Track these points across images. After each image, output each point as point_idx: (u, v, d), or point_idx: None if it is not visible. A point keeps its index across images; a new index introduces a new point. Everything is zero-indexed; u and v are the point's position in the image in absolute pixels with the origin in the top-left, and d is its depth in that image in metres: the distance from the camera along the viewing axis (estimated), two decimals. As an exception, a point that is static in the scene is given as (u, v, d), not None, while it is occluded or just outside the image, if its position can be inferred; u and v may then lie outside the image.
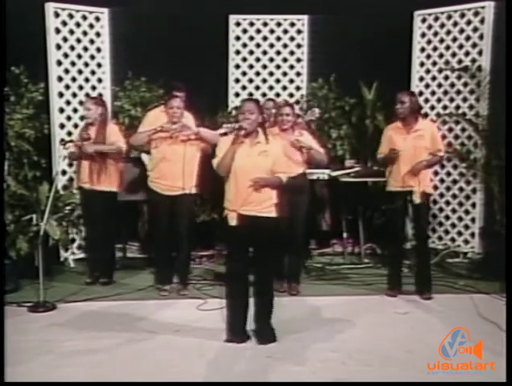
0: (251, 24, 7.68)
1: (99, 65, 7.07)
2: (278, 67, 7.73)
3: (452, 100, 7.27)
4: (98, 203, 6.08)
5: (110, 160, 6.07)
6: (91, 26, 6.99)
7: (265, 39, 7.70)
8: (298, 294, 5.86)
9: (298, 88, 7.75)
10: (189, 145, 5.75)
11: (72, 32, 6.89)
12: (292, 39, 7.68)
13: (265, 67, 7.74)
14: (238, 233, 4.54)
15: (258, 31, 7.69)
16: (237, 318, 4.68)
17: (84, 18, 6.96)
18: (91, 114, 6.07)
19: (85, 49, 6.98)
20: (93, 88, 7.05)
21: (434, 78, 7.36)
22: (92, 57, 7.02)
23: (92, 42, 7.00)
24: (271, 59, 7.73)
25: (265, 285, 4.71)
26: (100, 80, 7.10)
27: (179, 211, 5.80)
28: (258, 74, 7.74)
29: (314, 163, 5.95)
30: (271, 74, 7.74)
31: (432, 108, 7.39)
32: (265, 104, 6.42)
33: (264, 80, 7.75)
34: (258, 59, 7.73)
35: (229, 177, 4.55)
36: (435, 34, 7.29)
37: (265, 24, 7.69)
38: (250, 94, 7.69)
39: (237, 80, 7.73)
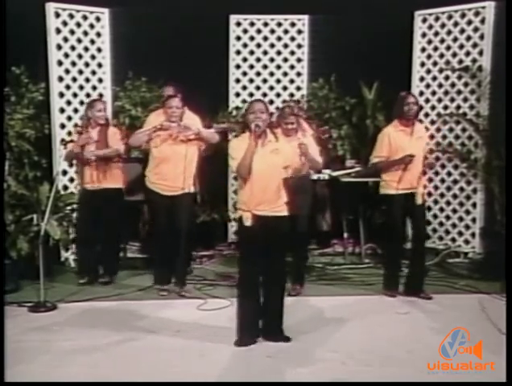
0: (252, 24, 7.67)
1: (100, 65, 7.07)
2: (278, 67, 7.72)
3: (452, 100, 7.27)
4: (106, 200, 6.10)
5: (111, 161, 6.13)
6: (91, 26, 6.99)
7: (265, 38, 7.69)
8: (299, 295, 5.84)
9: (298, 88, 7.75)
10: (190, 145, 5.75)
11: (72, 32, 6.89)
12: (293, 39, 7.67)
13: (265, 67, 7.73)
14: (253, 233, 4.56)
15: (259, 31, 7.69)
16: (250, 319, 4.68)
17: (85, 18, 6.96)
18: (103, 115, 6.14)
19: (86, 49, 6.98)
20: (94, 88, 7.05)
21: (434, 78, 7.36)
22: (93, 57, 7.02)
23: (92, 42, 7.00)
24: (272, 59, 7.72)
25: (279, 283, 4.72)
26: (100, 80, 7.10)
27: (179, 211, 5.79)
28: (258, 74, 7.74)
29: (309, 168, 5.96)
30: (272, 74, 7.73)
31: (433, 108, 7.39)
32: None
33: (264, 80, 7.75)
34: (258, 59, 7.72)
35: (243, 179, 4.57)
36: (436, 34, 7.28)
37: (265, 24, 7.68)
38: (251, 94, 7.69)
39: (238, 80, 7.73)
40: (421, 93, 7.33)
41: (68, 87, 6.92)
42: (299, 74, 7.74)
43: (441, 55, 7.29)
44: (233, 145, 4.73)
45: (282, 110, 5.86)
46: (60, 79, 6.86)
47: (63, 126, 6.90)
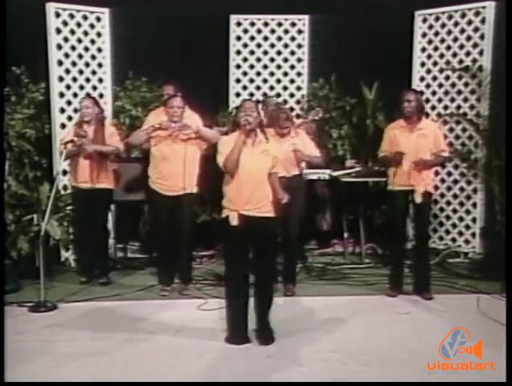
0: (252, 24, 7.68)
1: (100, 65, 7.07)
2: (278, 67, 7.74)
3: (452, 100, 7.27)
4: (98, 200, 6.11)
5: (108, 160, 6.13)
6: (92, 26, 6.99)
7: (266, 38, 7.70)
8: (293, 295, 5.82)
9: (299, 88, 7.76)
10: (190, 144, 5.73)
11: (72, 32, 6.89)
12: (293, 38, 7.68)
13: (265, 67, 7.74)
14: (239, 233, 4.56)
15: (259, 31, 7.69)
16: (238, 319, 4.68)
17: (85, 18, 6.96)
18: (89, 113, 6.10)
19: (86, 49, 6.98)
20: (94, 88, 7.05)
21: (435, 78, 7.36)
22: (93, 57, 7.02)
23: (93, 42, 7.00)
24: (272, 59, 7.73)
25: (266, 285, 4.73)
26: (101, 80, 7.10)
27: (181, 211, 5.79)
28: (258, 74, 7.75)
29: (311, 166, 5.98)
30: (272, 74, 7.75)
31: (433, 108, 7.38)
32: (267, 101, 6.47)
33: (265, 80, 7.76)
34: (258, 59, 7.73)
35: (231, 177, 4.57)
36: (436, 34, 7.29)
37: (266, 24, 7.69)
38: (251, 94, 7.70)
39: (238, 80, 7.73)
40: (421, 93, 7.30)
41: (68, 87, 6.92)
42: (299, 74, 7.75)
43: (441, 55, 7.29)
44: (223, 140, 4.75)
45: (277, 115, 5.82)
46: (61, 79, 6.86)
47: (63, 126, 6.89)
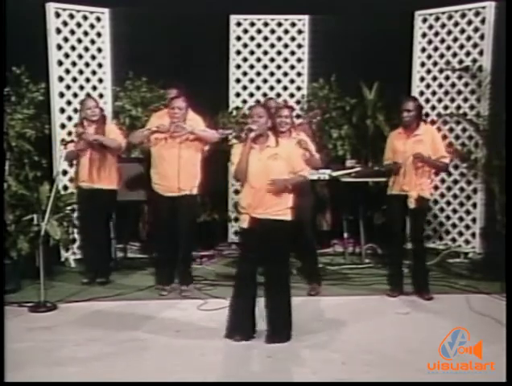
0: (252, 24, 7.68)
1: (100, 65, 7.07)
2: (278, 67, 7.73)
3: (452, 100, 7.28)
4: (98, 201, 6.11)
5: (109, 157, 6.11)
6: (92, 26, 7.00)
7: (265, 39, 7.69)
8: (317, 295, 5.84)
9: (299, 88, 7.75)
10: (185, 145, 5.72)
11: (72, 32, 6.90)
12: (293, 39, 7.67)
13: (265, 67, 7.74)
14: (250, 235, 4.61)
15: (259, 31, 7.69)
16: (240, 316, 4.70)
17: (85, 18, 6.97)
18: (97, 113, 6.13)
19: (86, 49, 6.98)
20: (94, 88, 7.06)
21: (435, 78, 7.37)
22: (93, 57, 7.03)
23: (92, 42, 7.01)
24: (272, 59, 7.72)
25: (279, 286, 4.70)
26: (101, 80, 7.10)
27: (179, 213, 5.78)
28: (258, 74, 7.74)
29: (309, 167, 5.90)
30: (272, 74, 7.74)
31: (433, 108, 7.39)
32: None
33: (265, 80, 7.75)
34: (258, 59, 7.73)
35: (242, 184, 4.61)
36: (436, 34, 7.29)
37: (265, 24, 7.69)
38: (251, 94, 7.70)
39: (238, 80, 7.73)
40: (421, 93, 7.34)
41: (68, 87, 6.93)
42: (299, 74, 7.74)
43: (441, 56, 7.30)
44: (233, 150, 4.77)
45: (276, 105, 5.83)
46: (61, 79, 6.87)
47: (63, 126, 6.89)
